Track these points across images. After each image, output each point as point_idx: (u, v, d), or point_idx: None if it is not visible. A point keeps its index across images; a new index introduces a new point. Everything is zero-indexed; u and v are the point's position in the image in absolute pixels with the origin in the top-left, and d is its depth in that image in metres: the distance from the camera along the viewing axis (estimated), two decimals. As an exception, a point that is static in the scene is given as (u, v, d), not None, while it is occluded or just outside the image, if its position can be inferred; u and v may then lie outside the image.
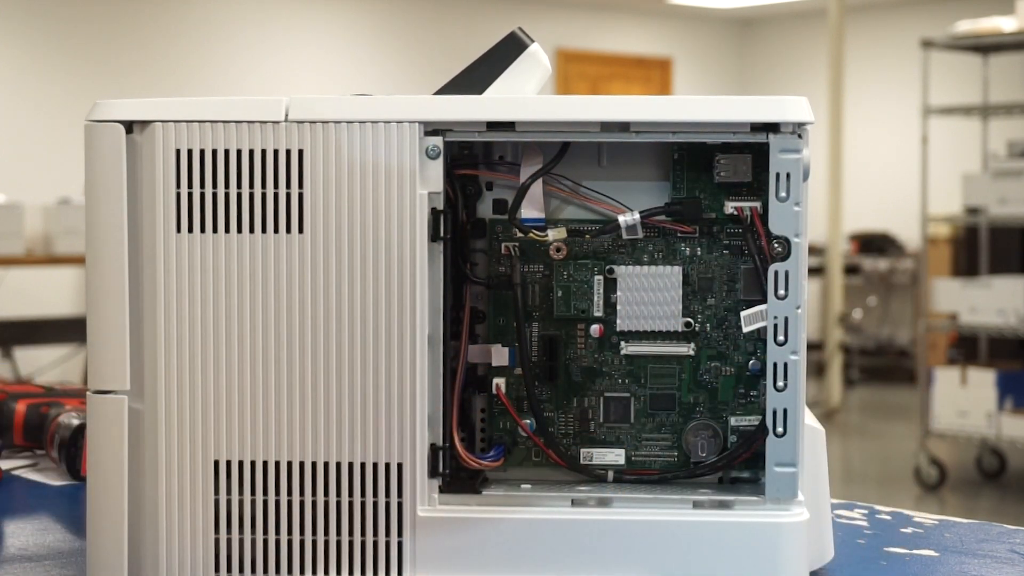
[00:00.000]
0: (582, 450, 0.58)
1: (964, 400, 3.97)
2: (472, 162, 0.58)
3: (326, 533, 0.55)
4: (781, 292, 0.55)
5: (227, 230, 0.54)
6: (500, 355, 0.58)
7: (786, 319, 0.54)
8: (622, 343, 0.58)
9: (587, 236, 0.58)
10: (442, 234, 0.55)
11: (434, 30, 6.80)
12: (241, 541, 0.54)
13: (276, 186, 0.54)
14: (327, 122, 0.54)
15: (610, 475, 0.58)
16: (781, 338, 0.55)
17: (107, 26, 5.84)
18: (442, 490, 0.55)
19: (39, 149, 5.60)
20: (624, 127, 0.55)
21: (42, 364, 4.57)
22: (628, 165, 0.58)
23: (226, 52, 6.22)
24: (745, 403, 0.58)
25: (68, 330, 4.27)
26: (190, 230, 0.54)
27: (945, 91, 5.13)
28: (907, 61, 6.51)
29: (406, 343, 0.54)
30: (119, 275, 0.55)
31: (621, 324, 0.58)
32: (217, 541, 0.54)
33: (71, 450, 0.78)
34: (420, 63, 6.66)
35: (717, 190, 0.57)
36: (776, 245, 0.54)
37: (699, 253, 0.58)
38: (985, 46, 4.19)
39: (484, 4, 6.93)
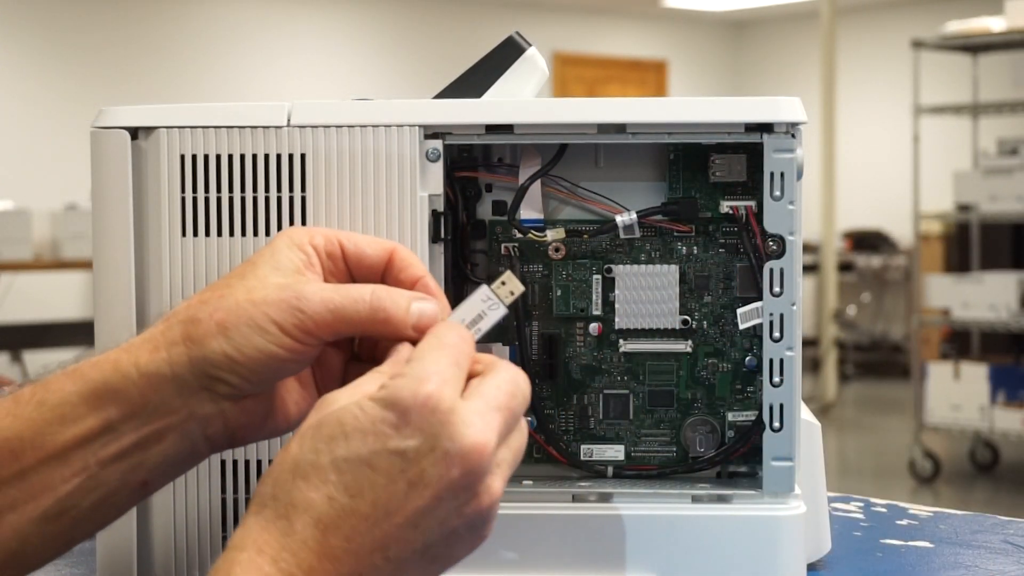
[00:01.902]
0: (582, 446, 0.59)
1: (957, 394, 3.99)
2: (471, 164, 0.59)
3: (332, 530, 0.55)
4: (776, 289, 0.55)
5: (231, 233, 0.55)
6: (501, 354, 0.59)
7: (781, 316, 0.55)
8: (621, 341, 0.59)
9: (585, 236, 0.59)
10: (443, 235, 0.55)
11: (433, 35, 6.81)
12: (248, 539, 0.55)
13: (279, 190, 0.55)
14: (329, 126, 0.55)
15: (610, 471, 0.59)
16: (777, 334, 0.55)
17: (112, 34, 5.85)
18: (445, 487, 0.56)
19: (46, 156, 5.60)
20: (620, 129, 0.55)
21: (50, 367, 4.56)
22: (625, 166, 0.59)
23: (229, 58, 6.22)
24: (742, 399, 0.59)
25: (76, 333, 4.28)
26: (195, 234, 0.55)
27: (936, 90, 5.15)
28: (898, 61, 6.53)
29: (409, 343, 0.55)
30: (126, 279, 0.55)
31: (619, 322, 0.59)
32: (224, 539, 0.55)
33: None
34: (419, 68, 6.67)
35: (713, 190, 0.58)
36: (771, 243, 0.55)
37: (695, 252, 0.59)
38: (975, 46, 4.21)
39: (482, 9, 6.94)
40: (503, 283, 0.47)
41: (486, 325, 0.46)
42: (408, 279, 0.47)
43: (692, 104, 0.55)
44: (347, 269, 0.47)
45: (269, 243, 0.47)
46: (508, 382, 0.43)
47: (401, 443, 0.40)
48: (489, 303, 0.46)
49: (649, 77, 7.74)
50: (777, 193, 0.55)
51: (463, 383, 0.42)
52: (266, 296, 0.44)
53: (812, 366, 5.65)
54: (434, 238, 0.55)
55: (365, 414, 0.40)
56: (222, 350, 0.43)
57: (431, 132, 0.55)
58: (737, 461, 0.59)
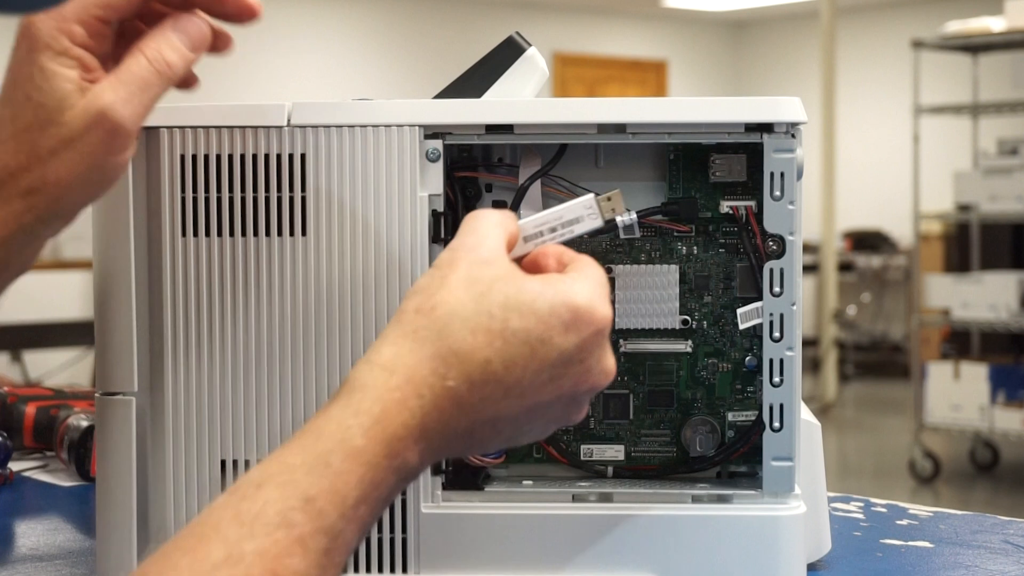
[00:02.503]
0: (582, 446, 0.59)
1: (957, 394, 3.99)
2: (471, 164, 0.59)
3: (332, 530, 0.55)
4: (776, 289, 0.55)
5: (231, 233, 0.55)
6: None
7: (781, 316, 0.55)
8: (621, 341, 0.59)
9: (585, 236, 0.59)
10: (443, 235, 0.55)
11: (433, 35, 6.81)
12: (248, 539, 0.55)
13: (279, 190, 0.55)
14: (329, 126, 0.55)
15: (610, 471, 0.59)
16: (777, 334, 0.55)
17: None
18: (445, 487, 0.56)
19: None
20: (621, 129, 0.55)
21: (51, 367, 4.56)
22: (625, 166, 0.59)
23: (229, 58, 6.19)
24: (742, 399, 0.59)
25: (76, 333, 4.28)
26: (195, 233, 0.55)
27: (936, 90, 5.15)
28: (898, 61, 6.53)
29: (409, 343, 0.54)
30: (126, 279, 0.55)
31: (620, 322, 0.59)
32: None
33: (80, 451, 0.78)
34: (419, 68, 6.67)
35: (713, 190, 0.58)
36: (771, 243, 0.55)
37: (695, 252, 0.59)
38: (975, 46, 4.21)
39: (482, 9, 6.94)
40: (608, 199, 0.51)
41: (579, 230, 0.50)
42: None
43: (692, 104, 0.55)
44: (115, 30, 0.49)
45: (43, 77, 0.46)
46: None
47: (563, 342, 0.45)
48: (590, 212, 0.50)
49: (649, 77, 7.74)
50: (777, 193, 0.55)
51: None
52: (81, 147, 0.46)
53: (812, 366, 5.65)
54: (434, 238, 0.55)
55: (545, 301, 0.45)
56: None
57: (431, 132, 0.55)
58: (737, 461, 0.59)
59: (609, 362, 0.47)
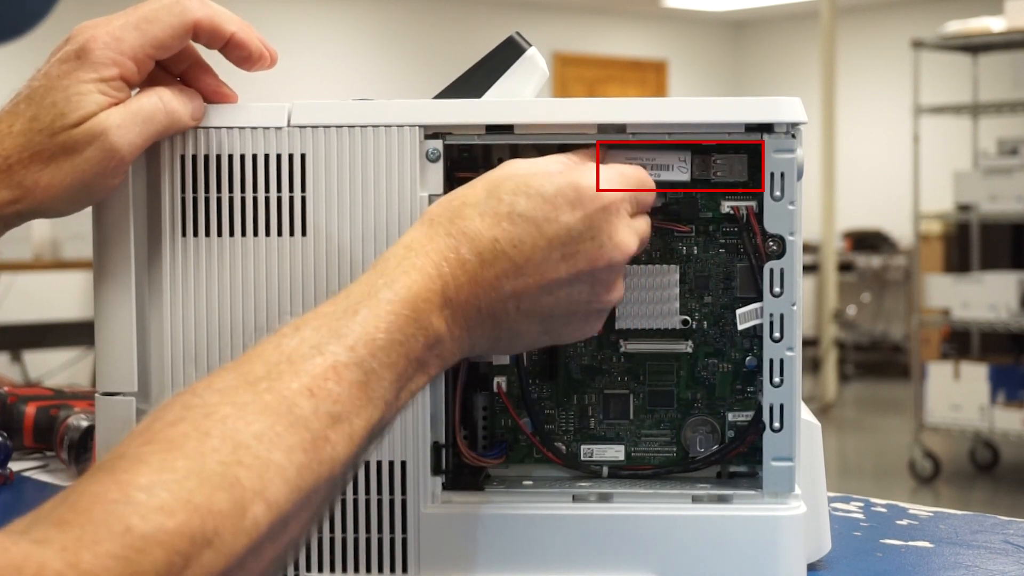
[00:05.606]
0: (582, 446, 0.59)
1: (957, 394, 3.99)
2: (472, 165, 0.59)
3: (331, 531, 0.55)
4: (776, 289, 0.55)
5: (231, 233, 0.55)
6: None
7: (781, 316, 0.55)
8: (621, 341, 0.59)
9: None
10: (443, 235, 0.55)
11: (433, 35, 6.81)
12: (248, 539, 0.55)
13: (279, 190, 0.55)
14: (329, 127, 0.55)
15: (605, 471, 0.59)
16: (777, 335, 0.55)
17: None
18: (445, 487, 0.56)
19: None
20: (621, 129, 0.55)
21: (51, 367, 4.57)
22: (625, 166, 0.59)
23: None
24: (742, 399, 0.59)
25: (76, 334, 4.28)
26: (195, 234, 0.55)
27: (936, 90, 5.15)
28: (898, 61, 6.54)
29: (409, 343, 0.54)
30: (126, 279, 0.55)
31: (620, 322, 0.59)
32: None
33: (80, 451, 0.78)
34: (420, 68, 6.67)
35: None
36: (771, 243, 0.55)
37: (696, 252, 0.59)
38: (975, 46, 4.21)
39: (482, 9, 6.94)
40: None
41: (666, 176, 0.55)
42: (217, 42, 0.55)
43: (692, 104, 0.55)
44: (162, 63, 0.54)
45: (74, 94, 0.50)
46: (649, 228, 0.53)
47: (570, 219, 0.48)
48: (681, 164, 0.55)
49: (649, 77, 7.74)
50: (777, 193, 0.55)
51: (634, 209, 0.51)
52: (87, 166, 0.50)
53: (812, 366, 5.65)
54: (434, 238, 0.55)
55: (552, 184, 0.49)
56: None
57: (431, 132, 0.55)
58: (737, 461, 0.59)
59: (622, 236, 0.49)
